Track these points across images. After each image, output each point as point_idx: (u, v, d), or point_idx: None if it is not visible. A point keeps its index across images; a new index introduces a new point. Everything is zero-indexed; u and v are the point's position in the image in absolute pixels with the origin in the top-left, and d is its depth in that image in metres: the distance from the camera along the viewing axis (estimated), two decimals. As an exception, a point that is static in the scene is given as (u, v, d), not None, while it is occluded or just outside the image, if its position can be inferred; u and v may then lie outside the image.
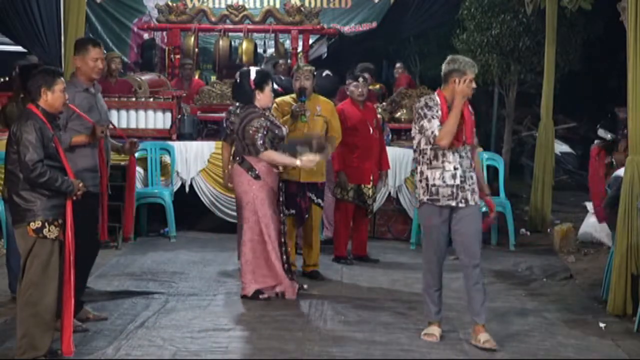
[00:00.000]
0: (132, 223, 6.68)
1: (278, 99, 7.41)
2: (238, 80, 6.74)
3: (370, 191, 8.01)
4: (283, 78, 9.78)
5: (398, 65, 12.98)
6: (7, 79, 11.33)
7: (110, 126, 6.05)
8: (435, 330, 5.72)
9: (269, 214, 6.54)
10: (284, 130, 6.63)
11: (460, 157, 5.54)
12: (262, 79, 6.59)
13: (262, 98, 6.58)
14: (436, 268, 5.68)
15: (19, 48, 13.13)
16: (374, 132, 8.01)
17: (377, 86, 11.54)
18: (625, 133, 7.31)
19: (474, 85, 5.54)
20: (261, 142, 6.45)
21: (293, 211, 7.16)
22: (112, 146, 6.09)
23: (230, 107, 7.83)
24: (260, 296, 6.56)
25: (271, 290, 6.63)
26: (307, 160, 6.41)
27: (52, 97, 5.08)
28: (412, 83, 12.54)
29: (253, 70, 6.70)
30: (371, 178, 7.98)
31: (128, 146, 6.13)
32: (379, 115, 8.67)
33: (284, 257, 6.71)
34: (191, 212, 9.44)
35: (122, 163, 8.48)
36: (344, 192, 7.89)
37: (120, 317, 6.03)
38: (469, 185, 5.54)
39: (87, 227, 5.71)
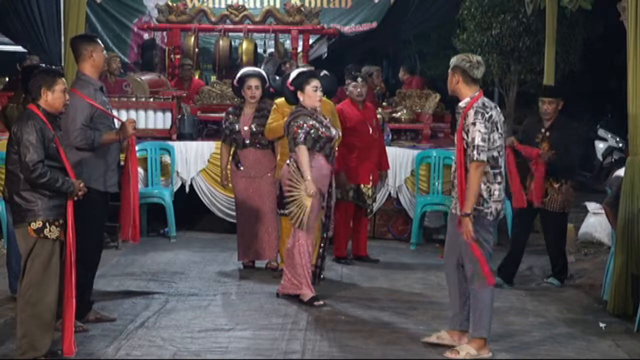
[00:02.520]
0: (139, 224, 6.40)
1: (278, 100, 7.41)
2: (281, 84, 6.92)
3: (370, 191, 8.01)
4: (277, 78, 9.78)
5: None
6: (7, 79, 11.34)
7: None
8: (444, 335, 5.58)
9: (312, 217, 6.43)
10: (334, 131, 6.54)
11: (454, 163, 5.45)
12: (301, 80, 6.56)
13: (305, 98, 6.54)
14: (447, 271, 5.66)
15: (19, 48, 13.15)
16: (373, 132, 8.01)
17: (377, 87, 11.52)
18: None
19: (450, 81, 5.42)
20: (302, 137, 6.39)
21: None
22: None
23: (230, 108, 7.85)
24: (315, 303, 6.46)
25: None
26: (313, 190, 6.32)
27: (52, 97, 5.08)
28: (423, 85, 12.36)
29: (294, 72, 6.71)
30: (370, 178, 7.98)
31: (126, 144, 6.07)
32: (378, 116, 8.67)
33: (319, 260, 6.69)
34: (191, 212, 9.44)
35: (122, 163, 8.52)
36: (343, 192, 7.88)
37: (120, 317, 6.03)
38: (455, 193, 5.40)
39: (98, 226, 5.74)
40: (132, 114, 9.20)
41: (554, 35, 9.18)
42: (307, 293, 6.50)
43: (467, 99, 5.32)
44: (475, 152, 5.17)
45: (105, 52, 5.97)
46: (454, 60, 5.39)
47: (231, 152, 7.66)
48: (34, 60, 11.32)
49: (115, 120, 6.03)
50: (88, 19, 11.31)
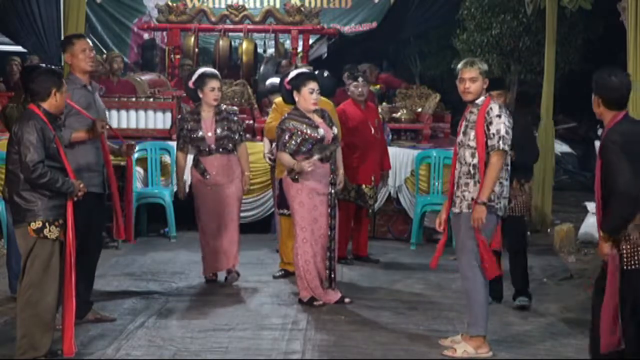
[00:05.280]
0: (132, 225, 6.47)
1: (277, 100, 7.40)
2: (279, 82, 6.78)
3: (372, 191, 7.98)
4: None
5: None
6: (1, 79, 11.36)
7: (107, 126, 5.92)
8: (457, 339, 5.58)
9: (307, 217, 6.40)
10: (322, 132, 6.43)
11: (459, 162, 5.49)
12: (298, 80, 6.49)
13: (300, 99, 6.47)
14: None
15: (19, 48, 13.16)
16: (375, 132, 7.98)
17: (377, 86, 11.52)
18: None
19: (466, 85, 5.40)
20: (283, 142, 6.38)
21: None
22: (109, 148, 6.00)
23: (184, 113, 7.41)
24: (315, 303, 6.45)
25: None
26: (305, 164, 6.30)
27: (60, 99, 5.11)
28: (396, 80, 12.26)
29: (294, 72, 6.63)
30: (372, 178, 7.95)
31: (125, 148, 6.04)
32: (379, 116, 8.64)
33: (329, 263, 6.53)
34: (191, 212, 9.42)
35: (122, 163, 8.49)
36: (344, 192, 7.83)
37: (120, 317, 6.03)
38: (460, 192, 5.43)
39: (87, 227, 5.71)
40: (132, 113, 9.23)
41: (554, 35, 9.19)
42: (305, 294, 6.50)
43: (482, 98, 5.45)
44: (500, 142, 5.30)
45: (88, 50, 5.83)
46: (485, 66, 5.49)
47: (187, 160, 7.21)
48: (33, 59, 11.34)
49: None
50: (88, 19, 11.32)
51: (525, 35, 11.35)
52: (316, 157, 6.35)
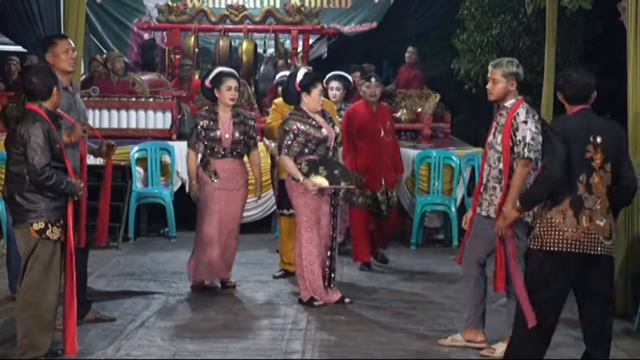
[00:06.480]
0: (106, 227, 6.03)
1: (277, 100, 7.39)
2: (286, 82, 6.66)
3: (383, 196, 7.71)
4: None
5: (411, 49, 12.25)
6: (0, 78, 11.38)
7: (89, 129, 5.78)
8: (458, 337, 5.65)
9: (312, 218, 6.40)
10: (325, 132, 6.41)
11: (488, 165, 5.43)
12: (309, 81, 6.43)
13: (309, 101, 6.43)
14: (465, 271, 5.64)
15: (18, 48, 13.15)
16: (385, 135, 7.71)
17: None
18: None
19: (489, 85, 5.40)
20: (287, 144, 6.34)
21: (292, 211, 7.08)
22: (88, 148, 5.89)
23: (201, 111, 7.21)
24: (315, 303, 6.44)
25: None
26: (311, 182, 6.29)
27: (59, 96, 5.13)
28: (418, 78, 12.18)
29: (301, 72, 6.57)
30: (382, 183, 7.71)
31: (104, 148, 5.88)
32: (392, 119, 8.50)
33: (329, 262, 6.55)
34: (191, 212, 9.43)
35: (122, 163, 8.51)
36: (354, 196, 7.61)
37: (120, 317, 6.04)
38: (489, 196, 5.40)
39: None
40: (132, 113, 9.24)
41: (554, 35, 9.17)
42: (305, 294, 6.49)
43: (512, 100, 5.38)
44: (525, 150, 5.23)
45: (71, 51, 5.72)
46: (511, 67, 5.39)
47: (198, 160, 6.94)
48: (33, 59, 11.32)
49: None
50: (88, 19, 11.32)
51: (525, 35, 11.34)
52: (324, 183, 6.33)
